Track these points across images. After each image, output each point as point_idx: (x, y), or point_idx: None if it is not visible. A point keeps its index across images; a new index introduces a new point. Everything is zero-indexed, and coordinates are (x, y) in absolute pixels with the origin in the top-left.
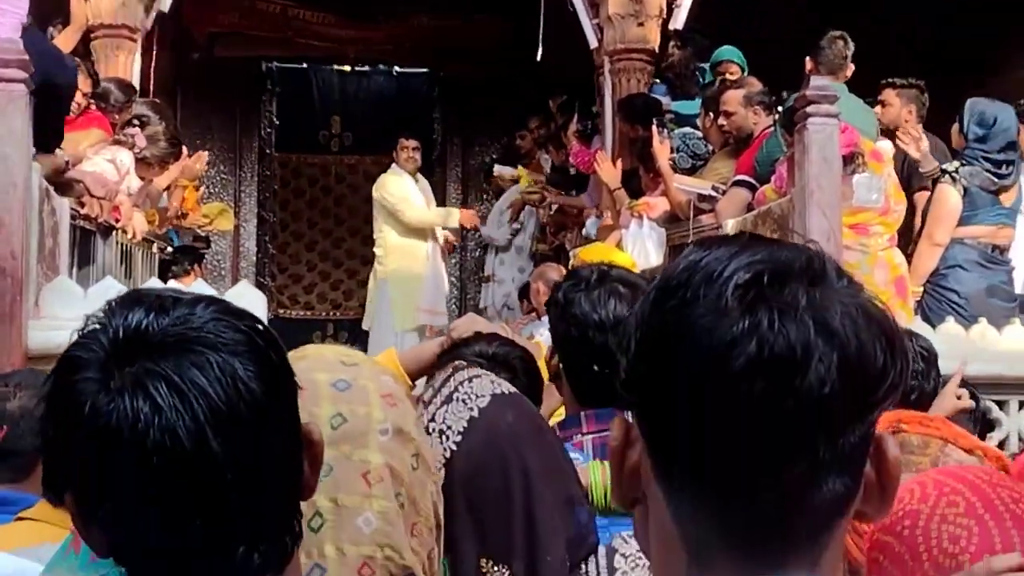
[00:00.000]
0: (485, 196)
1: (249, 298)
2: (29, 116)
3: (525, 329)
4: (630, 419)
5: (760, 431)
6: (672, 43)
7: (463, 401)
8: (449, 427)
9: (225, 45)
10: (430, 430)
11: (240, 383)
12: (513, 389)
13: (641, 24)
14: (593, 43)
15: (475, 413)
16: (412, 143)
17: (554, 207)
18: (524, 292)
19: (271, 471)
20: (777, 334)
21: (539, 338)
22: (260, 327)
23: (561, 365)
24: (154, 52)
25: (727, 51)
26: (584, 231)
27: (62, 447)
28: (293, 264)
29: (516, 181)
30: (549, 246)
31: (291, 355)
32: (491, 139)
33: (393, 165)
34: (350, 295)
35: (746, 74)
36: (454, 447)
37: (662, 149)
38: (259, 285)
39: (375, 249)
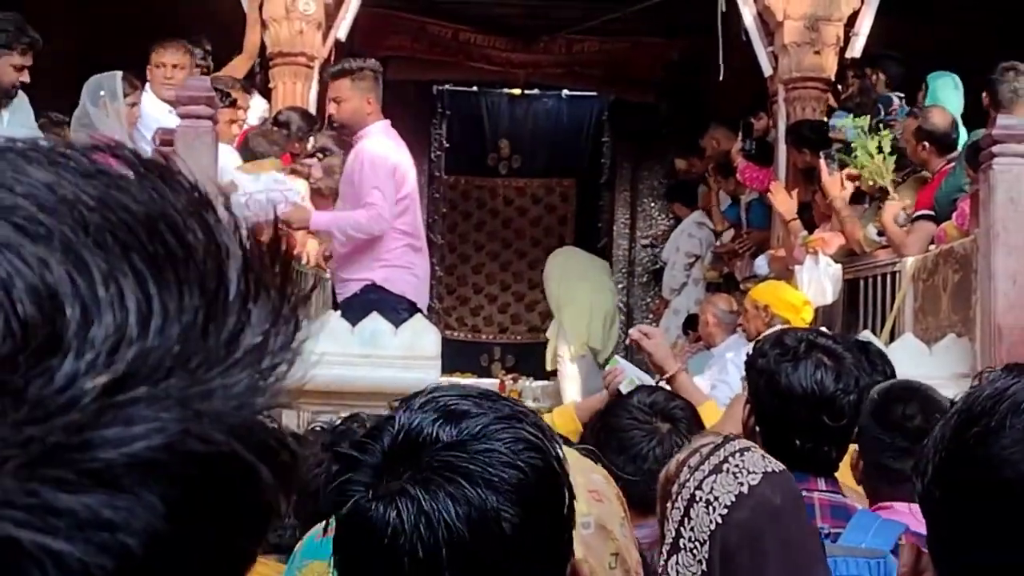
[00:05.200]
0: (654, 221)
1: (425, 335)
2: (215, 151)
3: (692, 359)
4: (918, 545)
5: None
6: (850, 73)
7: (734, 474)
8: (716, 498)
9: (397, 68)
10: (696, 497)
11: (492, 525)
12: (782, 467)
13: (817, 52)
14: (768, 71)
15: (745, 489)
16: None
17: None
18: (690, 322)
19: None
20: None
21: (707, 371)
22: (543, 463)
23: (758, 428)
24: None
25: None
26: (755, 268)
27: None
28: (460, 286)
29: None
30: (719, 273)
31: None
32: (660, 163)
33: None
34: (517, 319)
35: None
36: (719, 520)
37: (833, 182)
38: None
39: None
